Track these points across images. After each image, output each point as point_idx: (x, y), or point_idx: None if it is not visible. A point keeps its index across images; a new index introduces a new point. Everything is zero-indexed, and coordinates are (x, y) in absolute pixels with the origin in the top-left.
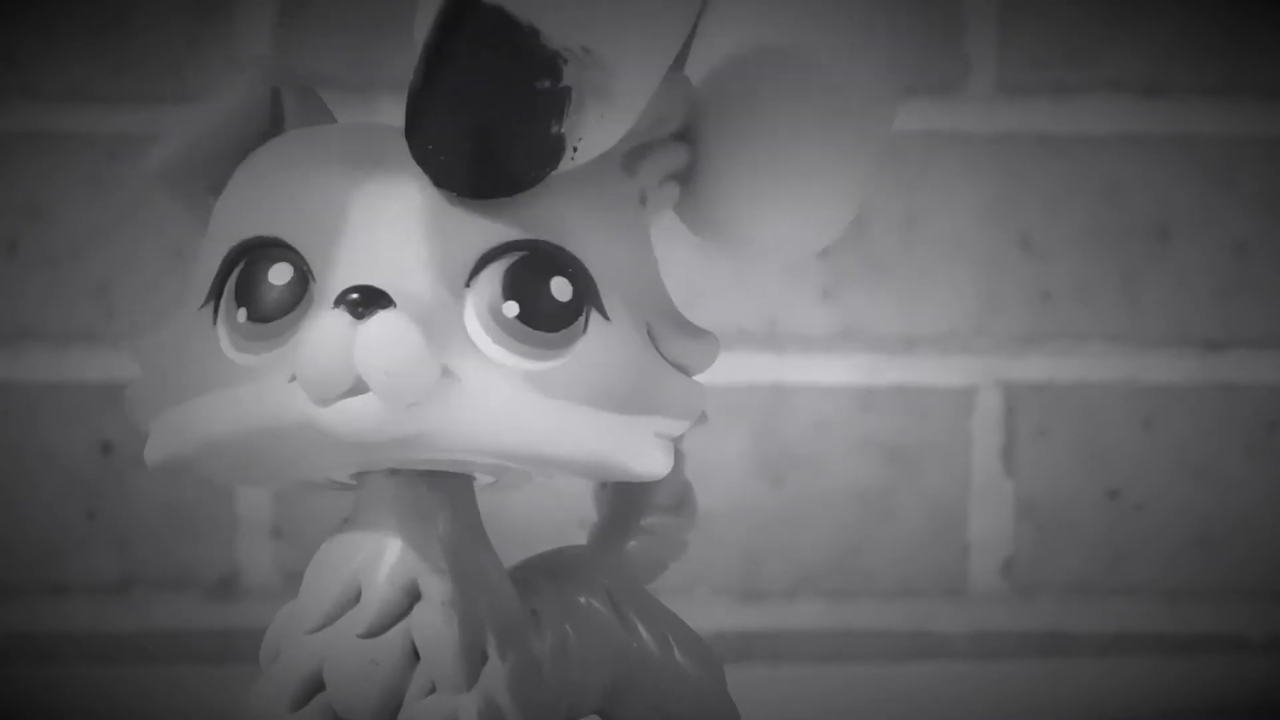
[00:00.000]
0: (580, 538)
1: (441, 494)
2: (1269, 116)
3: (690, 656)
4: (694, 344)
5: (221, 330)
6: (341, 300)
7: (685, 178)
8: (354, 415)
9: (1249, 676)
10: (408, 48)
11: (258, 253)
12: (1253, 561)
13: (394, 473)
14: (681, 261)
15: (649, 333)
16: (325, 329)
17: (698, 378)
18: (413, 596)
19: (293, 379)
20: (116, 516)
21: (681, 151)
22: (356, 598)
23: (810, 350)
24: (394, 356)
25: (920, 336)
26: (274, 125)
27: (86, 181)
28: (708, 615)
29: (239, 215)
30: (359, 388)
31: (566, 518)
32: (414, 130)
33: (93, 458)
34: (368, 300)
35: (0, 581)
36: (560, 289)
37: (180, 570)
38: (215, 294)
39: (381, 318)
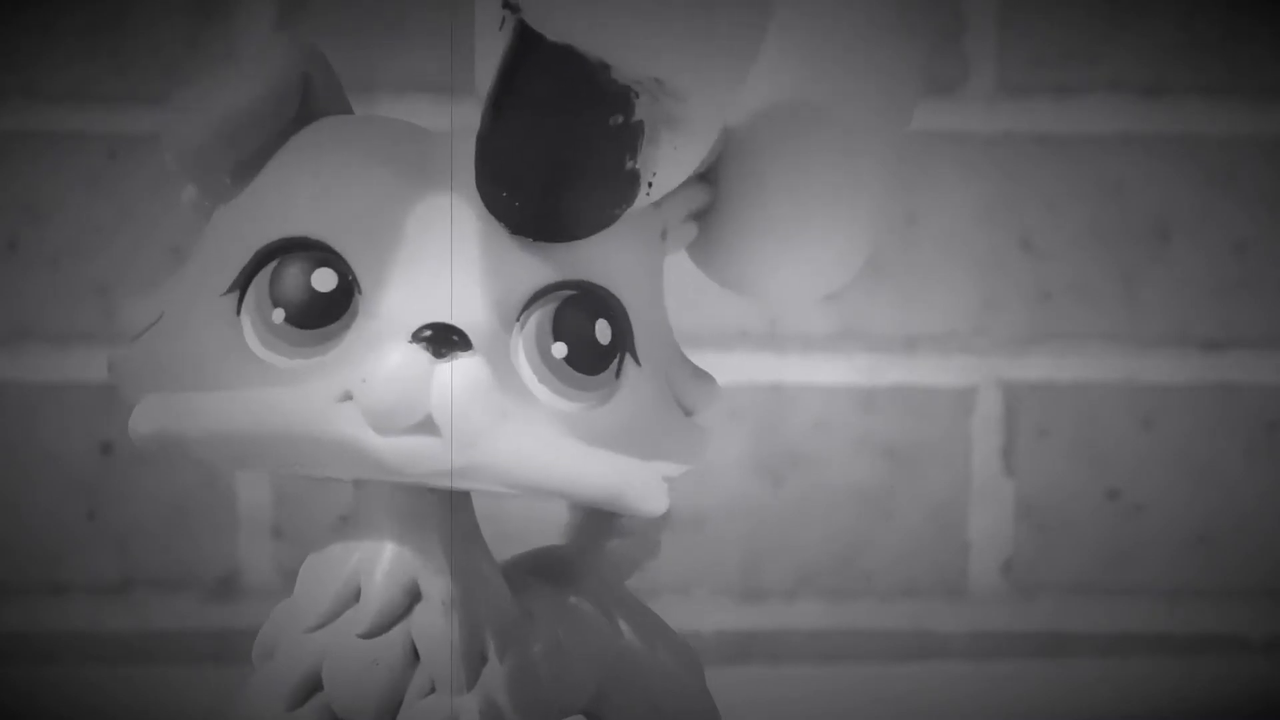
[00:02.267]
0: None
1: (439, 494)
2: (1269, 116)
3: (671, 655)
4: (699, 386)
5: (247, 324)
6: (419, 337)
7: (703, 218)
8: (415, 452)
9: (1249, 677)
10: (408, 48)
11: (297, 252)
12: (1253, 561)
13: None
14: (681, 261)
15: (665, 377)
16: (403, 365)
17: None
18: (413, 596)
19: (345, 399)
20: (116, 516)
21: (704, 192)
22: (355, 597)
23: (810, 350)
24: (472, 402)
25: (920, 336)
26: (303, 110)
27: (86, 181)
28: (708, 615)
29: (280, 207)
30: (426, 425)
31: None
32: (485, 178)
33: (93, 458)
34: (445, 340)
35: (0, 581)
36: (603, 332)
37: (180, 570)
38: (241, 284)
39: (465, 364)
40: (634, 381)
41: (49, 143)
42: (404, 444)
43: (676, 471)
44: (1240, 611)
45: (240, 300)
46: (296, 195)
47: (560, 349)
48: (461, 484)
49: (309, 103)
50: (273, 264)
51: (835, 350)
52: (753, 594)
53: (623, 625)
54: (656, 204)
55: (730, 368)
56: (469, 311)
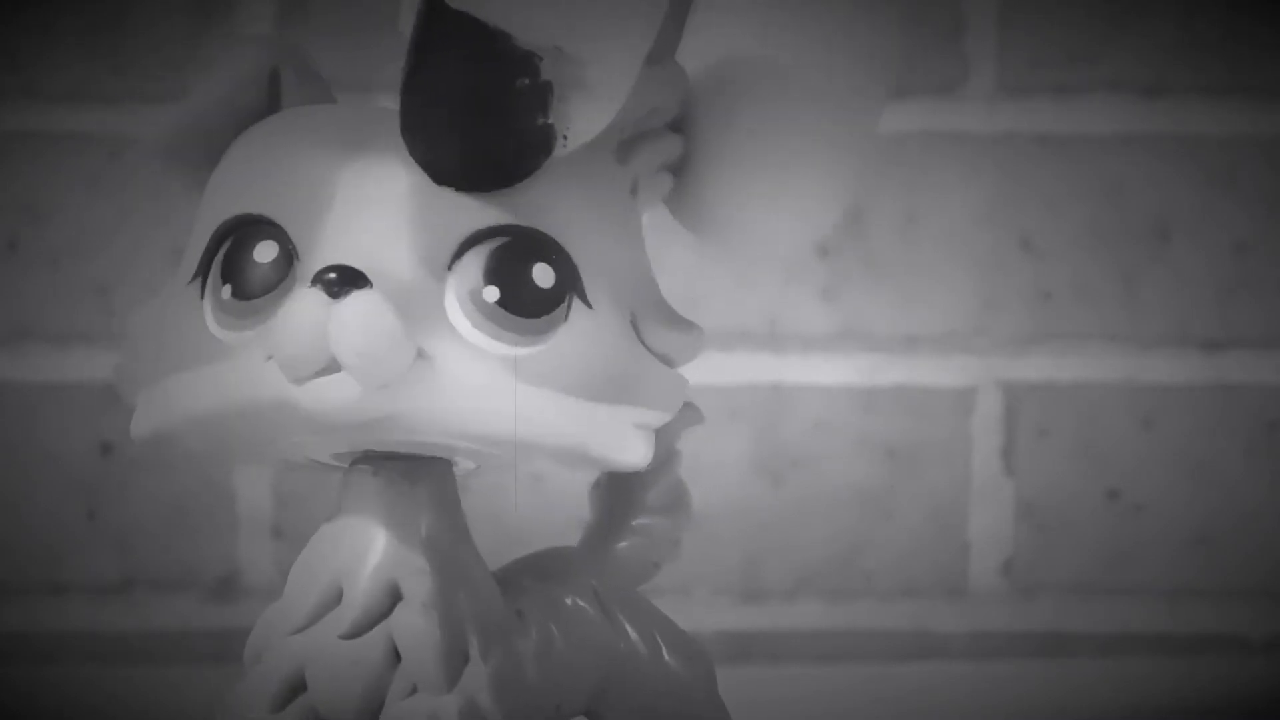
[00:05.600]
0: (579, 538)
1: (424, 492)
2: (1269, 116)
3: (679, 657)
4: (679, 335)
5: (207, 306)
6: (318, 279)
7: (678, 169)
8: (327, 395)
9: (1249, 676)
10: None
11: (246, 230)
12: (1253, 561)
13: (376, 472)
14: (682, 262)
15: (633, 322)
16: (300, 307)
17: (685, 370)
18: (394, 597)
19: (270, 357)
20: (116, 516)
21: (675, 142)
22: (338, 599)
23: (810, 350)
24: (368, 337)
25: (920, 336)
26: (272, 104)
27: (86, 181)
28: (708, 615)
29: (230, 192)
30: (332, 367)
31: (566, 517)
32: (407, 129)
33: (93, 458)
34: (344, 280)
35: (0, 581)
36: (542, 275)
37: (180, 570)
38: (203, 269)
39: (356, 297)
40: (583, 323)
41: (49, 143)
42: (314, 386)
43: (654, 421)
44: (1240, 611)
45: (203, 285)
46: (245, 177)
47: (492, 292)
48: (395, 434)
49: (279, 99)
50: (225, 245)
51: (835, 350)
52: (753, 594)
53: (627, 627)
54: (624, 159)
55: (730, 368)
56: (387, 258)
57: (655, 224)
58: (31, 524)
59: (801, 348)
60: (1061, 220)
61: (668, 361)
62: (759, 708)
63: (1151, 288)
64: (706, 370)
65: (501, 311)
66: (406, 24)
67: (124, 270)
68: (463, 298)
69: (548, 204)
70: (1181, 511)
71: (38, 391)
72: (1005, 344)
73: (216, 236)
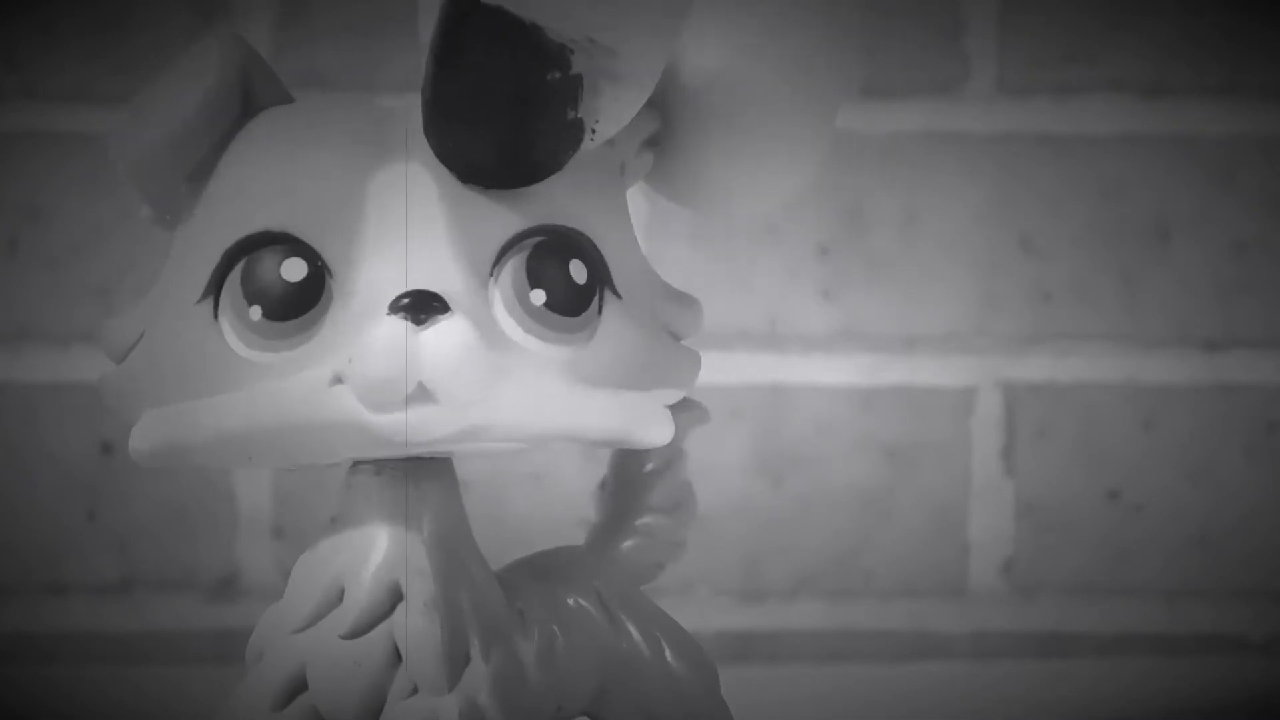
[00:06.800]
0: (580, 537)
1: (425, 493)
2: (1269, 116)
3: (682, 658)
4: (683, 309)
5: (226, 326)
6: (397, 307)
7: (656, 144)
8: (414, 422)
9: (1249, 676)
10: (408, 48)
11: (263, 247)
12: (1253, 561)
13: (379, 472)
14: (682, 262)
15: (651, 306)
16: (386, 337)
17: (691, 344)
18: (395, 597)
19: (335, 382)
20: (116, 516)
21: (654, 118)
22: (340, 598)
23: (810, 350)
24: (460, 363)
25: (920, 336)
26: (246, 106)
27: (86, 181)
28: (708, 615)
29: (238, 205)
30: (419, 394)
31: (566, 517)
32: (433, 132)
33: (93, 458)
34: (423, 306)
35: (0, 581)
36: (577, 271)
37: (180, 570)
38: (214, 288)
39: (445, 326)
40: (617, 314)
41: (49, 143)
42: (400, 416)
43: (674, 398)
44: (1240, 611)
45: (215, 304)
46: (252, 191)
47: (539, 295)
48: (467, 447)
49: (250, 99)
50: (241, 263)
51: (835, 350)
52: (753, 594)
53: (629, 627)
54: (610, 140)
55: (730, 368)
56: (443, 274)
57: (652, 225)
58: (31, 524)
59: (801, 348)
60: (1061, 220)
61: (676, 336)
62: (759, 708)
63: (1151, 288)
64: (707, 370)
65: (548, 313)
66: (426, 28)
67: (124, 270)
68: (510, 304)
69: (565, 197)
70: (1181, 511)
71: (38, 391)
72: (1005, 344)
73: (230, 254)
